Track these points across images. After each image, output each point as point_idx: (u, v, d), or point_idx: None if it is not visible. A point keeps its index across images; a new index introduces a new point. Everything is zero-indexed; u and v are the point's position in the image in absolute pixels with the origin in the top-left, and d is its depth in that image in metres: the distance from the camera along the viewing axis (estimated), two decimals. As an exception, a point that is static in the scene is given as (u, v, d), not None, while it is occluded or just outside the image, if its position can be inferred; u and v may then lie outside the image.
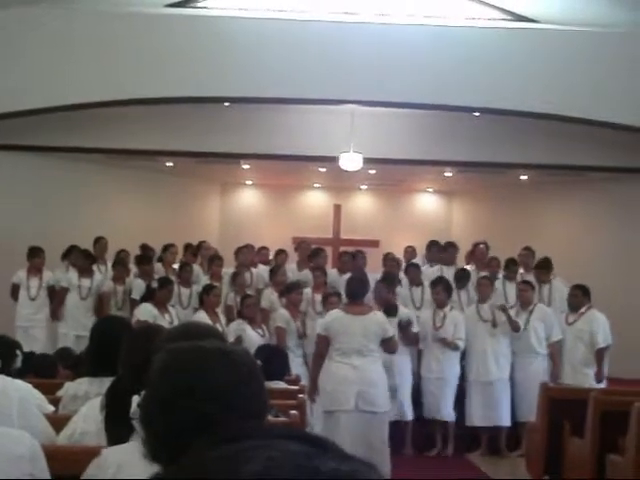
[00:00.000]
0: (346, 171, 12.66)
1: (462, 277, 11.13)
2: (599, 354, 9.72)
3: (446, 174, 14.61)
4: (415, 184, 16.29)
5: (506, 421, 10.00)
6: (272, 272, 11.15)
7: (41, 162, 12.97)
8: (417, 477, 8.38)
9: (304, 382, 9.46)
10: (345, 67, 11.01)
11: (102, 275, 11.62)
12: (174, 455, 1.72)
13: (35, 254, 11.32)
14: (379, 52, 11.03)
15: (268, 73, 10.99)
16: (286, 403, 5.51)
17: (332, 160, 12.42)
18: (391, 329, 8.18)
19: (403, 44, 11.08)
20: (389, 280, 10.27)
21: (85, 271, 11.36)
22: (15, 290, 11.41)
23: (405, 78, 11.04)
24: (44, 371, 6.54)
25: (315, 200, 16.67)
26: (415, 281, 11.09)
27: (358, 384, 7.63)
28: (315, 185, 16.47)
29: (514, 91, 11.13)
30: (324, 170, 14.47)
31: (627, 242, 13.17)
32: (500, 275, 11.29)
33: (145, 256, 11.64)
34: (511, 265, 11.25)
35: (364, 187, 16.43)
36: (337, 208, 16.15)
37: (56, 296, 11.43)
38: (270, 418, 4.88)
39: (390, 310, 9.93)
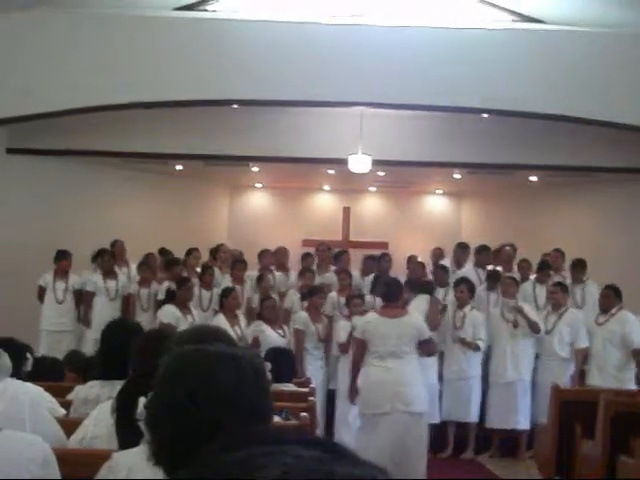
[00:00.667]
0: (355, 173, 12.65)
1: (493, 278, 11.05)
2: (637, 354, 9.56)
3: (455, 176, 14.59)
4: (424, 186, 16.27)
5: (524, 424, 9.91)
6: (300, 275, 11.34)
7: (50, 165, 12.99)
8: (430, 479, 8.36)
9: (332, 385, 9.60)
10: (354, 69, 11.00)
11: (125, 277, 11.63)
12: (178, 459, 1.72)
13: (62, 257, 11.33)
14: (388, 54, 11.02)
15: (277, 76, 10.99)
16: (296, 406, 5.51)
17: (341, 162, 12.42)
18: (428, 331, 8.17)
19: (411, 46, 11.07)
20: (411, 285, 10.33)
21: (110, 273, 11.37)
22: (42, 293, 11.42)
23: (413, 80, 11.03)
24: (49, 374, 6.53)
25: (324, 202, 16.66)
26: (442, 283, 11.04)
27: (393, 385, 7.63)
28: (324, 187, 16.47)
29: (522, 92, 11.10)
30: (333, 172, 14.47)
31: (636, 241, 13.11)
32: (532, 277, 11.22)
33: (174, 259, 11.67)
34: (544, 267, 11.15)
35: (373, 189, 16.42)
36: (346, 210, 16.14)
37: (83, 301, 11.43)
38: (280, 420, 4.88)
39: (426, 288, 10.03)
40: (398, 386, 7.63)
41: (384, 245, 14.97)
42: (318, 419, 8.13)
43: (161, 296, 11.01)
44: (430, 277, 11.39)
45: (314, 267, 11.96)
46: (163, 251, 12.27)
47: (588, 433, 7.11)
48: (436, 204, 16.84)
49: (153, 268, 11.64)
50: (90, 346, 10.23)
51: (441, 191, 16.61)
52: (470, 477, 9.19)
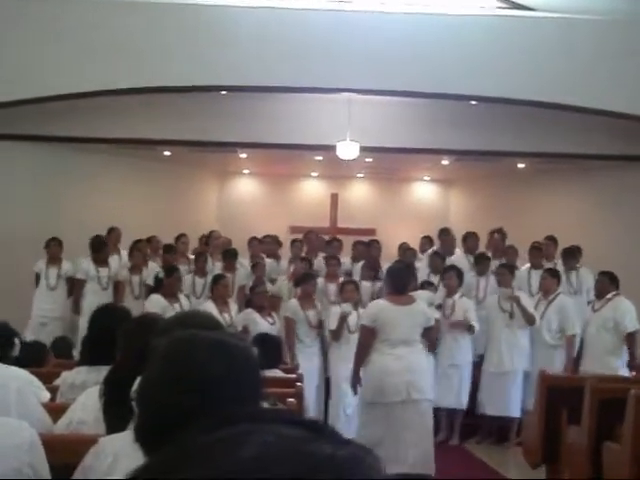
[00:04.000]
0: (343, 160, 12.65)
1: (482, 263, 11.03)
2: (629, 339, 9.58)
3: (443, 162, 14.60)
4: (412, 172, 16.28)
5: (515, 412, 9.94)
6: (290, 262, 11.28)
7: (37, 152, 12.94)
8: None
9: (329, 372, 9.56)
10: (342, 55, 10.98)
11: (116, 264, 11.60)
12: (162, 440, 1.72)
13: (51, 244, 11.31)
14: (375, 41, 11.01)
15: (265, 62, 10.97)
16: (284, 391, 5.51)
17: (329, 149, 12.41)
18: (433, 318, 8.18)
19: (399, 32, 11.06)
20: (411, 270, 10.32)
21: (102, 261, 11.33)
22: (37, 280, 11.40)
23: (402, 66, 11.02)
24: (32, 359, 6.47)
25: (312, 189, 16.65)
26: (437, 270, 11.00)
27: (405, 373, 7.57)
28: (312, 174, 16.46)
29: (510, 79, 11.12)
30: (321, 159, 14.46)
31: (625, 229, 13.15)
32: (525, 266, 11.24)
33: (171, 246, 11.65)
34: (536, 252, 11.15)
35: (361, 176, 16.42)
36: (334, 197, 16.14)
37: (74, 288, 11.41)
38: (268, 407, 4.88)
39: (423, 286, 10.07)
40: (410, 374, 7.58)
41: (372, 232, 14.98)
42: (308, 405, 8.13)
43: (150, 282, 11.00)
44: (420, 264, 11.44)
45: (303, 254, 11.96)
46: (151, 239, 12.20)
47: (574, 419, 7.14)
48: (424, 191, 16.86)
49: (144, 254, 11.61)
50: (83, 333, 10.18)
51: (429, 178, 16.62)
52: (457, 464, 9.22)
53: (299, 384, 6.14)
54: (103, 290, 11.22)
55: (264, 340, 7.23)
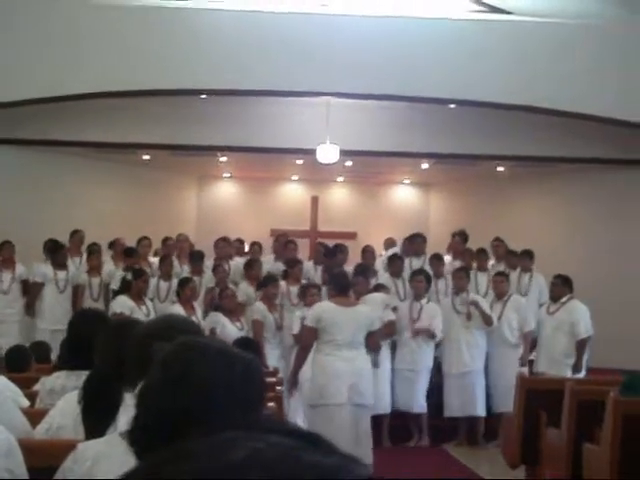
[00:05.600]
0: (323, 163, 12.66)
1: (436, 263, 11.04)
2: (580, 345, 9.78)
3: (423, 166, 14.64)
4: (392, 176, 16.32)
5: (481, 411, 10.08)
6: (248, 265, 11.08)
7: (16, 155, 12.89)
8: (395, 468, 8.40)
9: (281, 375, 9.51)
10: (320, 59, 11.00)
11: (76, 267, 11.55)
12: (157, 445, 1.73)
13: (4, 247, 11.25)
14: (355, 44, 11.03)
15: (244, 66, 10.98)
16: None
17: (309, 152, 12.43)
18: (377, 322, 8.17)
19: (378, 36, 11.08)
20: (364, 271, 10.26)
21: (60, 264, 11.29)
22: None
23: (380, 70, 11.05)
24: (18, 364, 6.44)
25: (292, 192, 16.67)
26: (397, 273, 11.00)
27: (350, 377, 7.57)
28: (292, 177, 16.47)
29: (489, 83, 11.17)
30: (301, 162, 14.47)
31: (604, 233, 13.24)
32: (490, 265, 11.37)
33: (132, 249, 11.60)
34: (482, 255, 11.30)
35: (341, 179, 16.44)
36: (314, 200, 16.16)
37: (30, 291, 11.34)
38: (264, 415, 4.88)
39: (377, 289, 10.06)
40: (354, 377, 7.59)
41: (352, 235, 15.01)
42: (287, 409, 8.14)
43: (114, 285, 10.93)
44: (380, 266, 11.41)
45: (267, 256, 11.90)
46: (115, 242, 12.11)
47: (553, 421, 7.18)
48: (404, 194, 16.90)
49: (98, 257, 11.53)
50: (41, 336, 10.14)
51: (409, 181, 16.66)
52: (438, 467, 9.25)
53: (279, 388, 6.14)
54: (60, 293, 11.19)
55: (244, 344, 7.22)
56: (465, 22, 11.47)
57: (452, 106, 12.12)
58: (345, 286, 8.07)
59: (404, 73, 11.09)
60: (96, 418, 3.07)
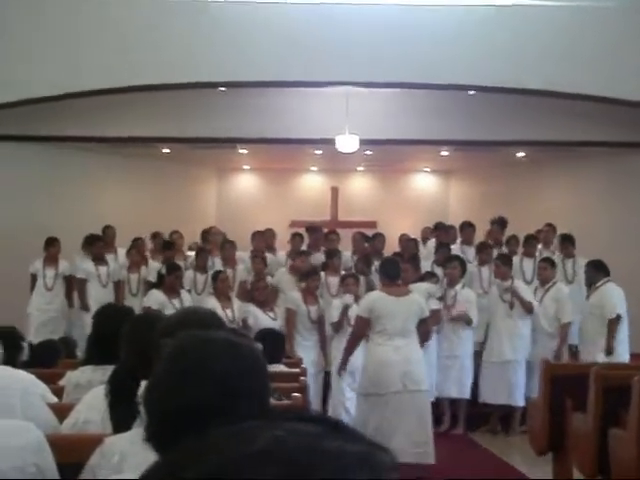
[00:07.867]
0: (342, 153, 12.64)
1: (483, 251, 11.04)
2: (610, 326, 9.66)
3: (442, 153, 14.60)
4: (412, 164, 16.28)
5: (519, 401, 9.96)
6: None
7: (37, 152, 12.95)
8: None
9: (314, 366, 9.58)
10: (339, 48, 10.96)
11: (115, 262, 11.66)
12: (172, 439, 1.73)
13: (50, 244, 11.36)
14: (372, 33, 10.98)
15: (263, 57, 10.95)
16: (288, 386, 5.51)
17: (328, 142, 12.41)
18: (427, 309, 8.22)
19: (396, 24, 11.03)
20: (413, 260, 10.42)
21: (99, 259, 11.39)
22: (33, 281, 11.44)
23: (399, 58, 11.00)
24: (47, 359, 6.49)
25: (312, 183, 16.66)
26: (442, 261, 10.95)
27: (402, 364, 7.65)
28: (312, 168, 16.46)
29: (508, 68, 11.09)
30: (320, 153, 14.46)
31: (626, 216, 13.14)
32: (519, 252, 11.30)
33: (170, 242, 11.70)
34: (531, 241, 11.21)
35: (361, 169, 16.42)
36: (334, 190, 16.15)
37: (76, 288, 11.44)
38: (273, 401, 4.88)
39: (425, 278, 10.09)
40: (406, 365, 7.66)
41: (373, 224, 14.98)
42: (311, 400, 8.15)
43: (152, 278, 11.04)
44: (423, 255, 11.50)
45: (303, 247, 11.92)
46: (156, 235, 12.27)
47: (579, 407, 7.14)
48: (424, 182, 16.86)
49: (142, 252, 11.66)
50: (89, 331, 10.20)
51: (429, 169, 16.62)
52: (461, 453, 9.23)
53: (303, 378, 6.15)
54: (103, 288, 11.30)
55: (268, 335, 7.24)
56: (482, 8, 11.39)
57: (471, 92, 12.05)
58: (395, 275, 8.09)
59: (422, 61, 11.03)
60: (123, 412, 3.08)
